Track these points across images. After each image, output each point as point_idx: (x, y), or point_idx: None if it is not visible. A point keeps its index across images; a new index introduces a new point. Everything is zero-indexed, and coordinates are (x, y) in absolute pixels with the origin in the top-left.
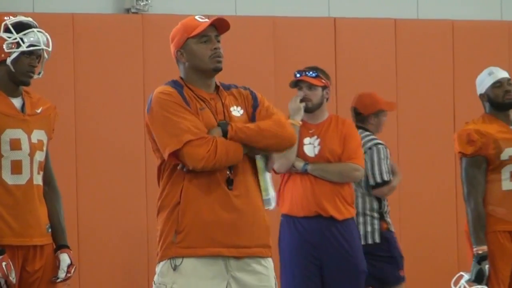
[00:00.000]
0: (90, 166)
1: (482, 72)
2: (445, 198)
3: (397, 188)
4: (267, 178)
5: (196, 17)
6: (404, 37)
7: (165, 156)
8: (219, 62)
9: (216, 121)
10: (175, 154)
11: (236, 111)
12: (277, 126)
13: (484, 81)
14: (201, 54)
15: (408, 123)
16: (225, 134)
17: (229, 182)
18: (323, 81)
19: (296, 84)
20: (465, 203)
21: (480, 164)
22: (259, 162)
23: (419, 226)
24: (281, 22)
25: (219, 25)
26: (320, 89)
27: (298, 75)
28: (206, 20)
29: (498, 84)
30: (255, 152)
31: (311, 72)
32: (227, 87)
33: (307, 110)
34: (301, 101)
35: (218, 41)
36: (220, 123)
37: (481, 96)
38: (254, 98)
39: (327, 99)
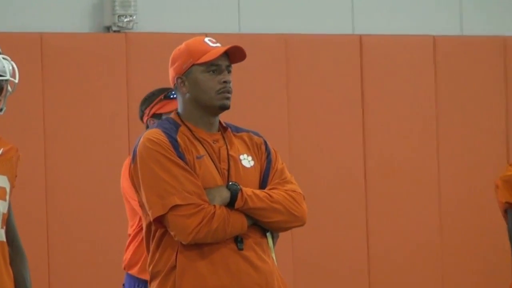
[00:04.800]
0: (63, 214)
1: None
2: None
3: None
4: (275, 258)
5: (206, 40)
6: (445, 55)
7: (151, 219)
8: (228, 98)
9: (218, 172)
10: (160, 220)
11: (246, 161)
12: (292, 200)
13: None
14: (207, 86)
15: (450, 145)
16: (232, 201)
17: (239, 240)
18: None
19: None
20: None
21: None
22: (269, 238)
23: None
24: (294, 40)
25: (233, 54)
26: None
27: None
28: (218, 45)
29: None
30: (260, 225)
31: None
32: (236, 129)
33: None
34: None
35: (229, 72)
36: (230, 185)
37: None
38: (268, 152)
39: None
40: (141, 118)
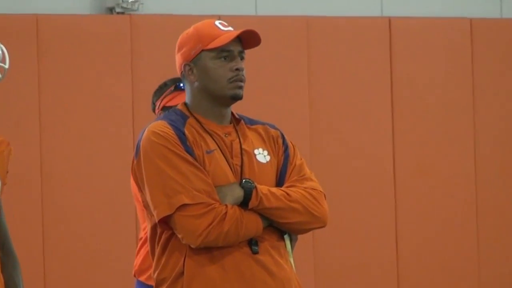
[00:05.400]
0: (60, 215)
1: None
2: None
3: None
4: (293, 263)
5: (216, 23)
6: (483, 40)
7: (156, 220)
8: (240, 88)
9: (231, 168)
10: (166, 221)
11: (262, 156)
12: (312, 199)
13: None
14: (217, 74)
15: (488, 139)
16: (245, 200)
17: (253, 242)
18: None
19: None
20: None
21: None
22: (286, 240)
23: None
24: (317, 23)
25: (246, 39)
26: None
27: None
28: (230, 28)
29: None
30: (277, 226)
31: None
32: (250, 121)
33: None
34: None
35: (242, 59)
36: (243, 183)
37: None
38: (286, 146)
39: None
40: (154, 111)
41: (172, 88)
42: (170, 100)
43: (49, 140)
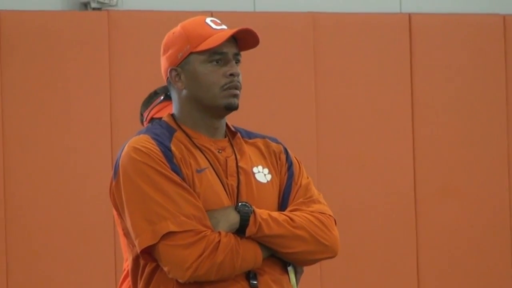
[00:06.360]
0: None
1: None
2: None
3: None
4: None
5: (208, 20)
6: None
7: (138, 250)
8: (235, 96)
9: (225, 190)
10: (150, 251)
11: (261, 175)
12: (320, 225)
13: None
14: (209, 81)
15: None
16: (242, 226)
17: (252, 276)
18: None
19: None
20: None
21: None
22: (290, 273)
23: None
24: (324, 21)
25: (243, 39)
26: None
27: None
28: (224, 27)
29: None
30: (280, 257)
31: None
32: (247, 135)
33: None
34: None
35: (238, 63)
36: (239, 206)
37: None
38: (289, 162)
39: None
40: (142, 123)
41: (162, 97)
42: (159, 110)
43: (11, 153)
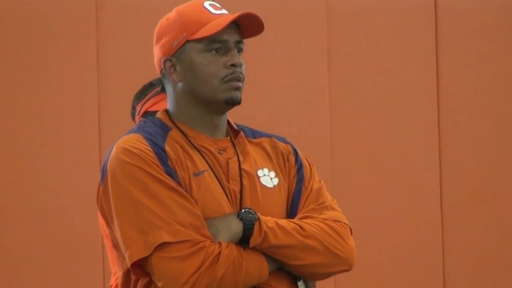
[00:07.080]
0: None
1: None
2: None
3: None
4: None
5: (206, 4)
6: None
7: (128, 264)
8: (238, 89)
9: (226, 195)
10: (142, 265)
11: (267, 178)
12: (333, 234)
13: None
14: (207, 72)
15: None
16: (245, 236)
17: None
18: None
19: None
20: None
21: None
22: (301, 287)
23: None
24: (339, 6)
25: (245, 25)
26: None
27: None
28: (223, 11)
29: None
30: (288, 270)
31: None
32: (252, 133)
33: None
34: None
35: (240, 52)
36: (242, 213)
37: None
38: (299, 164)
39: None
40: (133, 118)
41: (159, 88)
42: (156, 103)
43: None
